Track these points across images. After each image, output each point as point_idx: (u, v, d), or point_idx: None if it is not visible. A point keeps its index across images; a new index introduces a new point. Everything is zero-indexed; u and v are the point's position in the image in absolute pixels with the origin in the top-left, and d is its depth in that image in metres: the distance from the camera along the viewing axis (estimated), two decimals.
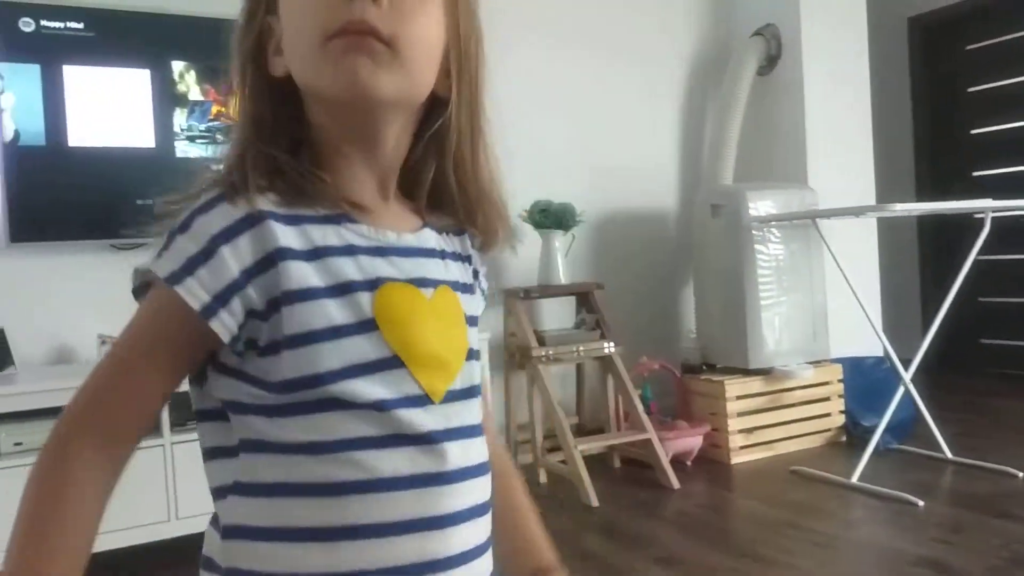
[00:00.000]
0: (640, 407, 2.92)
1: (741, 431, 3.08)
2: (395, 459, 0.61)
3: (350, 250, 0.62)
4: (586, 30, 3.46)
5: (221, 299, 0.58)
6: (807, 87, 3.53)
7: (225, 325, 0.58)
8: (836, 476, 2.77)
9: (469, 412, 0.67)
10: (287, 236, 0.59)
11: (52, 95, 2.41)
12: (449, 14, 0.64)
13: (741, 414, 3.09)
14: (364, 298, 0.61)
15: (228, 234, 0.58)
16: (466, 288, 0.72)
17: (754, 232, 3.14)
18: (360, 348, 0.60)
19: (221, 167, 0.63)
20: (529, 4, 3.31)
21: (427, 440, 0.62)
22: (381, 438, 0.60)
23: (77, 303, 2.53)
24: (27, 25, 2.38)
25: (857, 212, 3.01)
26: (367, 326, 0.61)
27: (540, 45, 3.33)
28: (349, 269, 0.61)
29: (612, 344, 2.99)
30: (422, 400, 0.63)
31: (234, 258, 0.58)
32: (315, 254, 0.60)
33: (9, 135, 2.36)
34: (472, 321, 0.72)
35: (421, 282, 0.66)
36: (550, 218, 3.05)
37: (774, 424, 3.15)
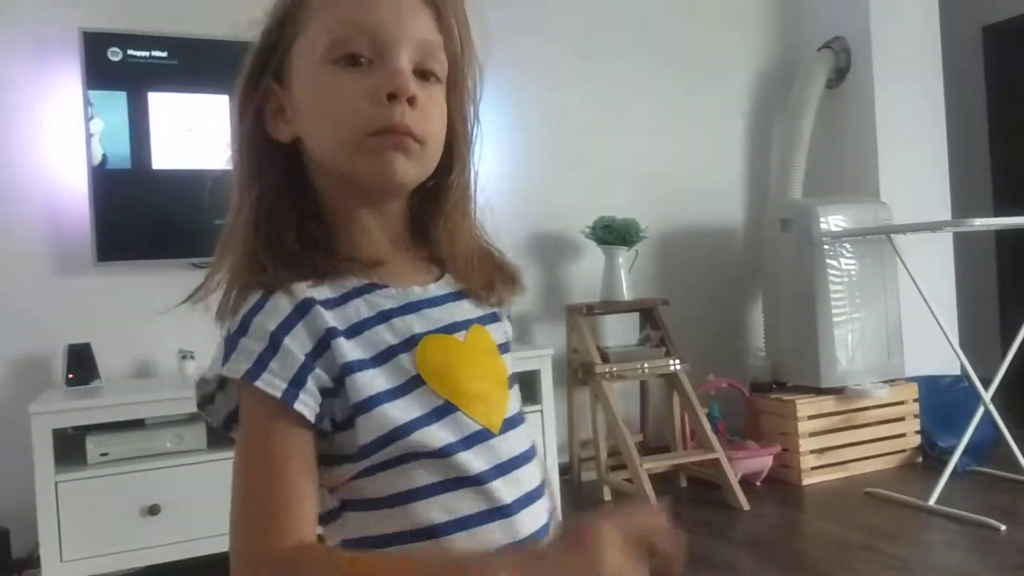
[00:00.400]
0: (707, 426, 2.88)
1: (813, 451, 3.02)
2: (468, 498, 0.65)
3: (383, 316, 0.67)
4: (652, 47, 3.46)
5: (297, 383, 0.62)
6: (878, 100, 3.46)
7: (307, 405, 0.62)
8: (912, 498, 2.68)
9: (519, 439, 0.71)
10: (330, 317, 0.64)
11: (137, 120, 2.52)
12: (447, 106, 0.71)
13: (813, 434, 3.02)
14: (405, 359, 0.66)
15: (286, 327, 0.63)
16: (493, 318, 0.76)
17: (826, 247, 3.08)
18: (415, 403, 0.65)
19: (230, 243, 0.69)
20: (595, 23, 3.34)
21: (496, 474, 0.67)
22: (453, 480, 0.65)
23: (158, 319, 2.62)
24: (115, 55, 2.50)
25: (934, 227, 2.93)
26: (415, 383, 0.66)
27: (605, 62, 3.35)
28: (386, 335, 0.66)
29: (678, 361, 2.97)
30: (484, 435, 0.67)
31: (297, 345, 0.62)
32: (353, 331, 0.65)
33: (97, 159, 2.48)
34: (504, 349, 0.76)
35: (452, 327, 0.70)
36: (613, 234, 3.05)
37: (847, 444, 3.08)
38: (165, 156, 2.55)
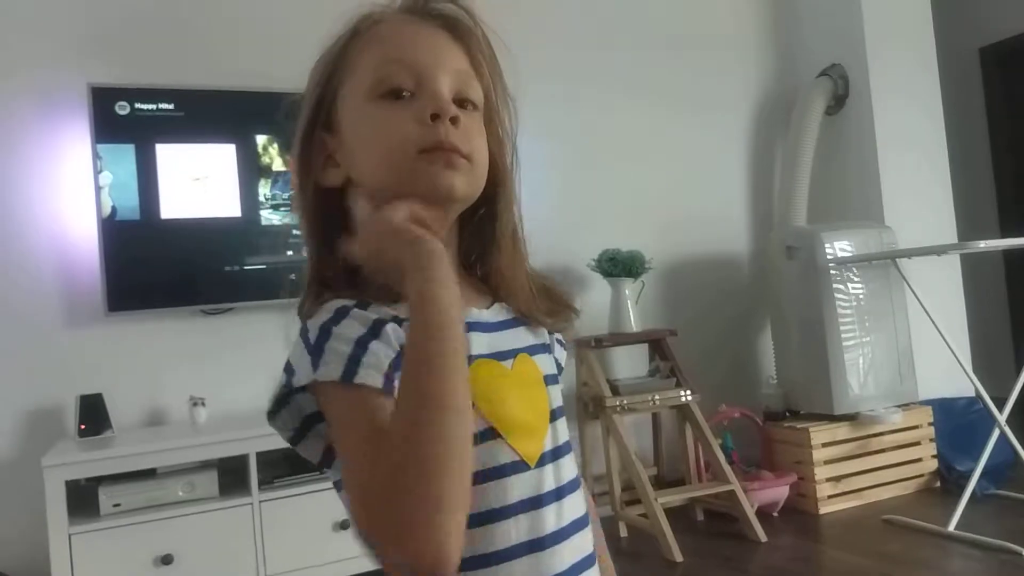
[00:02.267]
0: (722, 457, 2.86)
1: (829, 480, 2.99)
2: (505, 528, 0.66)
3: None
4: (651, 78, 3.50)
5: (389, 378, 0.63)
6: (878, 124, 3.48)
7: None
8: (932, 525, 2.65)
9: (560, 471, 0.72)
10: (399, 336, 0.65)
11: (145, 172, 2.56)
12: (490, 133, 0.75)
13: (828, 462, 3.00)
14: None
15: (372, 333, 0.65)
16: (543, 348, 0.78)
17: (832, 273, 3.08)
18: None
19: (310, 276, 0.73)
20: (592, 56, 3.38)
21: (531, 506, 0.68)
22: (489, 511, 0.66)
23: (169, 366, 2.65)
24: (122, 108, 2.55)
25: (939, 251, 2.93)
26: None
27: (604, 94, 3.39)
28: None
29: (689, 392, 2.96)
30: (519, 466, 0.68)
31: (384, 348, 0.64)
32: None
33: (107, 211, 2.51)
34: (551, 380, 0.77)
35: (502, 355, 0.72)
36: (618, 266, 3.06)
37: (863, 471, 3.05)
38: (173, 206, 2.59)
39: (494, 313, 0.75)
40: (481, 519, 0.65)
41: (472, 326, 0.70)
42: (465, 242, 0.77)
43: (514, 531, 0.67)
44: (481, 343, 0.71)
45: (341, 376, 0.62)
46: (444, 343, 0.59)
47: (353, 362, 0.62)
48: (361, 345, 0.63)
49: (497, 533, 0.66)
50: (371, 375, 0.62)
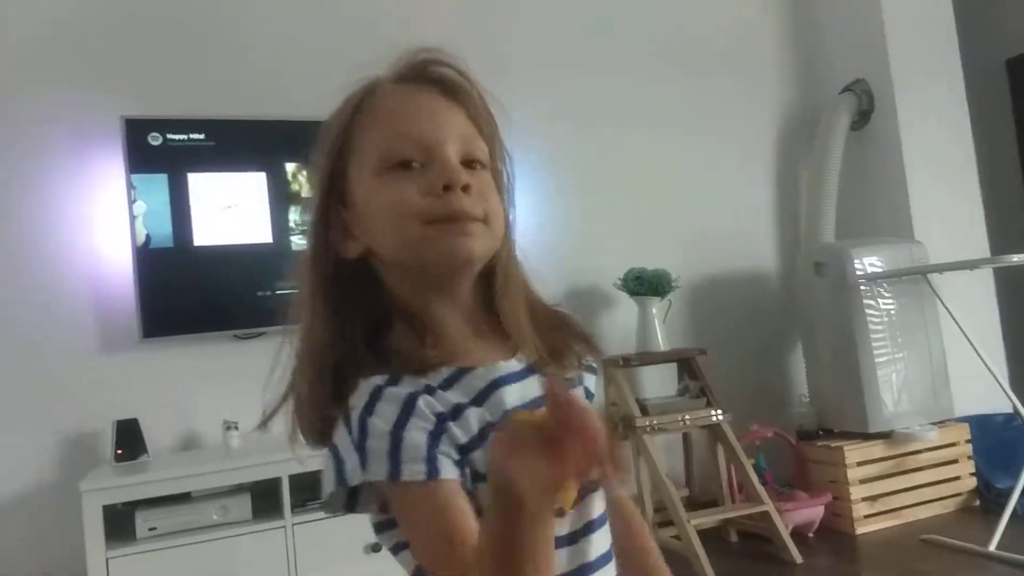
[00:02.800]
0: (755, 477, 2.83)
1: (865, 499, 2.94)
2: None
3: (478, 399, 0.70)
4: (674, 96, 3.51)
5: (432, 460, 0.64)
6: (904, 139, 3.45)
7: (452, 470, 0.65)
8: (972, 545, 2.59)
9: (590, 507, 0.73)
10: (435, 403, 0.67)
11: (178, 200, 2.62)
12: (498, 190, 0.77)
13: (863, 481, 2.95)
14: None
15: (404, 416, 0.65)
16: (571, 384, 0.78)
17: (862, 289, 3.05)
18: None
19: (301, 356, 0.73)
20: (617, 77, 3.40)
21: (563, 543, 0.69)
22: None
23: (203, 391, 2.69)
24: (155, 139, 2.61)
25: (971, 265, 2.90)
26: None
27: (629, 114, 3.40)
28: (484, 415, 0.69)
29: (720, 412, 2.93)
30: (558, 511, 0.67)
31: (417, 431, 0.65)
32: (455, 414, 0.68)
33: (141, 239, 2.57)
34: None
35: (534, 403, 0.72)
36: (644, 284, 3.06)
37: (900, 490, 2.99)
38: (206, 233, 2.64)
39: (521, 360, 0.75)
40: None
41: (503, 380, 0.72)
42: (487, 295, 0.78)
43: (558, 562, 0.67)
44: (513, 395, 0.72)
45: (388, 476, 0.63)
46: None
47: (394, 461, 0.63)
48: (396, 437, 0.64)
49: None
50: (413, 469, 0.63)
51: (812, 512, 2.90)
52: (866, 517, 2.93)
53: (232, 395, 2.69)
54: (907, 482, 3.01)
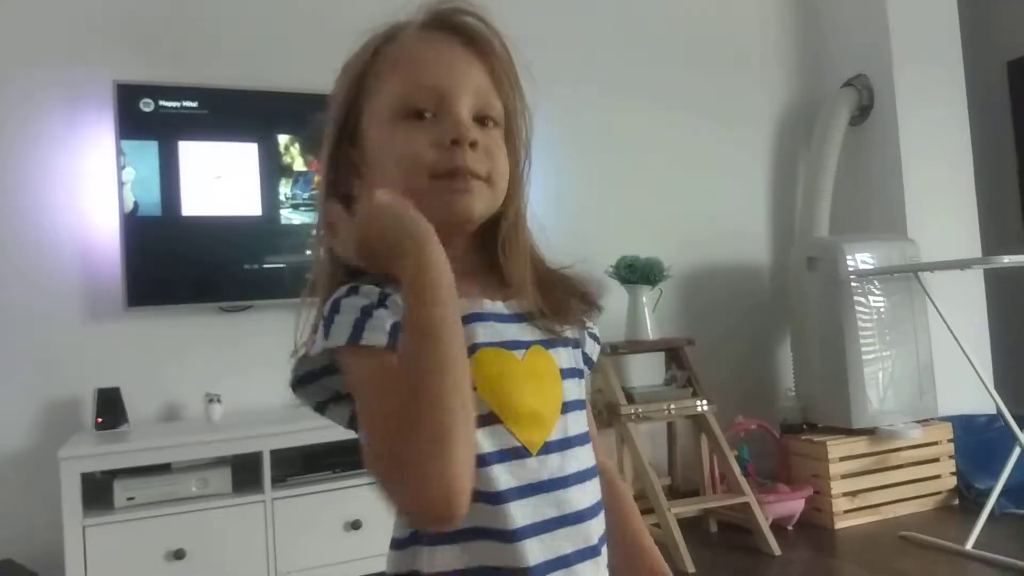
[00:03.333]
0: (737, 469, 2.83)
1: (845, 494, 2.95)
2: (506, 511, 0.68)
3: None
4: (674, 86, 3.49)
5: (393, 335, 0.67)
6: (902, 136, 3.44)
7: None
8: (949, 542, 2.61)
9: (566, 461, 0.73)
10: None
11: (168, 169, 2.58)
12: (507, 145, 0.79)
13: (845, 476, 2.96)
14: None
15: (379, 302, 0.69)
16: (563, 343, 0.79)
17: (853, 285, 3.05)
18: None
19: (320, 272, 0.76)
20: (616, 64, 3.38)
21: (517, 495, 0.69)
22: (491, 493, 0.68)
23: (186, 362, 2.67)
24: (147, 105, 2.58)
25: (962, 265, 2.90)
26: None
27: (628, 102, 3.38)
28: None
29: (705, 402, 2.93)
30: (520, 452, 0.70)
31: (388, 313, 0.68)
32: None
33: (129, 207, 2.54)
34: (570, 373, 0.78)
35: (513, 344, 0.74)
36: (636, 273, 3.04)
37: (881, 487, 3.01)
38: (195, 203, 2.61)
39: (510, 306, 0.77)
40: (483, 498, 0.67)
41: (479, 316, 0.73)
42: (490, 242, 0.80)
43: (519, 514, 0.68)
44: (488, 332, 0.73)
45: (348, 339, 0.66)
46: (436, 308, 0.63)
47: (358, 327, 0.66)
48: (366, 312, 0.68)
49: (499, 514, 0.68)
50: (375, 336, 0.66)
51: (792, 505, 2.91)
52: (846, 512, 2.94)
53: (216, 367, 2.68)
54: (888, 479, 3.02)
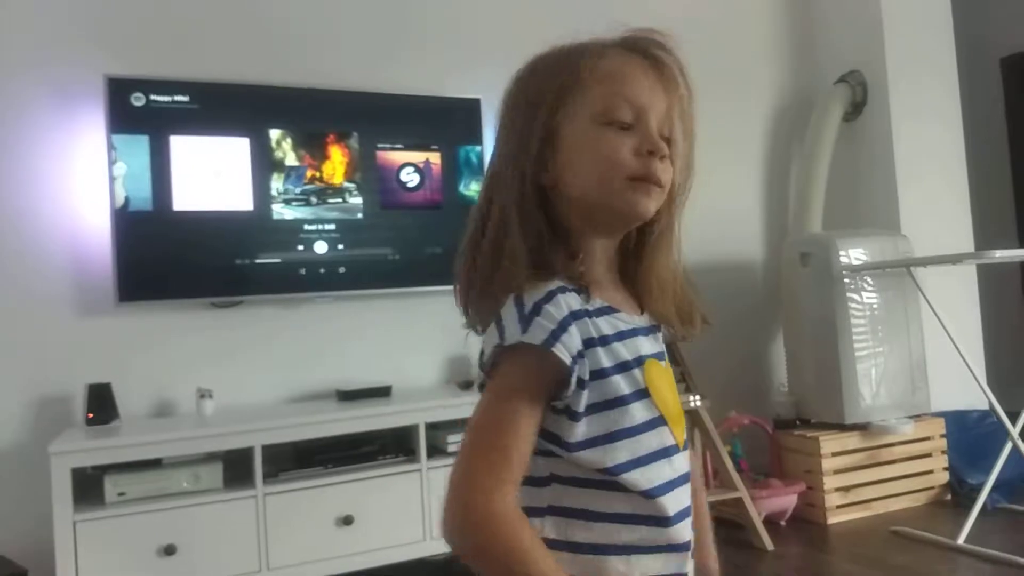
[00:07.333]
0: (730, 464, 2.84)
1: (838, 489, 2.96)
2: (664, 500, 0.80)
3: (620, 336, 0.82)
4: None
5: (576, 358, 0.76)
6: (896, 132, 3.45)
7: (578, 376, 0.76)
8: (941, 537, 2.62)
9: (686, 461, 0.86)
10: (591, 327, 0.79)
11: (159, 163, 2.57)
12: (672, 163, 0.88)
13: (838, 471, 2.97)
14: (637, 372, 0.81)
15: (572, 318, 0.78)
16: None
17: (846, 281, 3.06)
18: (640, 412, 0.80)
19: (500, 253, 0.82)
20: None
21: (665, 490, 0.80)
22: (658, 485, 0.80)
23: (178, 358, 2.66)
24: (138, 100, 2.56)
25: (955, 260, 2.90)
26: (642, 394, 0.81)
27: None
28: (623, 351, 0.81)
29: (698, 397, 2.93)
30: (673, 450, 0.82)
31: (578, 334, 0.77)
32: (603, 341, 0.80)
33: (120, 202, 2.52)
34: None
35: (660, 355, 0.86)
36: None
37: (873, 482, 3.02)
38: (186, 198, 2.59)
39: (646, 319, 0.87)
40: (654, 493, 0.78)
41: (638, 331, 0.84)
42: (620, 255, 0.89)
43: (672, 503, 0.80)
44: (647, 345, 0.84)
45: (542, 343, 0.74)
46: None
47: (554, 336, 0.75)
48: (563, 327, 0.76)
49: (660, 503, 0.79)
50: (563, 351, 0.74)
51: (785, 500, 2.92)
52: (838, 507, 2.95)
53: (207, 363, 2.67)
54: (881, 474, 3.03)
